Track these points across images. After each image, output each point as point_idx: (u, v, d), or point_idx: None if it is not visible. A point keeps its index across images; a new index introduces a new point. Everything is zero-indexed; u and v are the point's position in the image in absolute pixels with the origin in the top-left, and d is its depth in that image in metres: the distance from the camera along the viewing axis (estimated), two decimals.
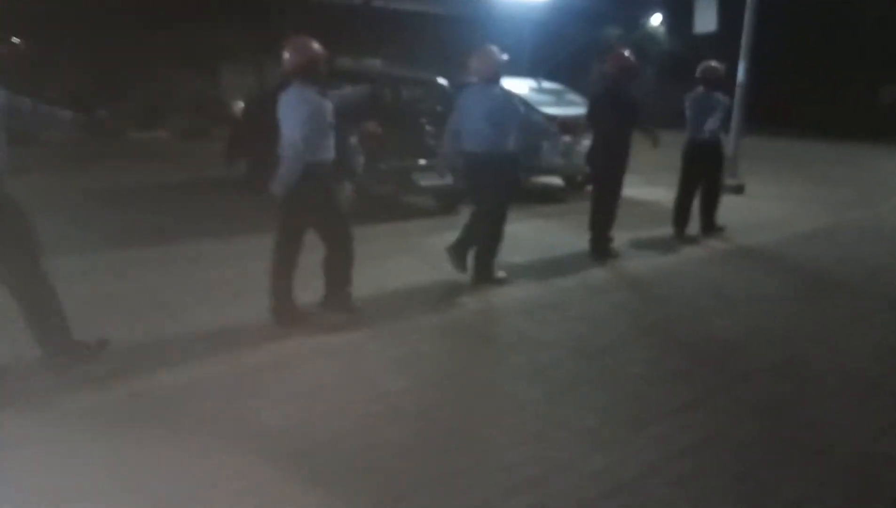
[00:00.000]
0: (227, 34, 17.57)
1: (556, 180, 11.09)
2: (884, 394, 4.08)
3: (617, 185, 6.74)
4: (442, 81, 8.92)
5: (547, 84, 10.69)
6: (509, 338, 4.79)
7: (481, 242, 5.76)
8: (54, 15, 13.58)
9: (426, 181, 8.12)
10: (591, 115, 6.96)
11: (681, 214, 7.82)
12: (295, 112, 4.43)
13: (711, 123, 7.51)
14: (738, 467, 3.19)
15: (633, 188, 10.14)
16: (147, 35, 16.04)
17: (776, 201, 10.57)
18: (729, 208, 8.80)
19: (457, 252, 5.77)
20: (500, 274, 5.89)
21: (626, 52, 6.91)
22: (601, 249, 6.79)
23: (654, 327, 5.06)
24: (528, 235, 7.62)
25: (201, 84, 17.93)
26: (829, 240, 8.26)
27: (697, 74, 7.80)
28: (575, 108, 10.15)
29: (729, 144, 10.08)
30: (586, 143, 9.61)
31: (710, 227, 8.03)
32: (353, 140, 5.37)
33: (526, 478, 3.02)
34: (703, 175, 7.83)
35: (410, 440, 3.29)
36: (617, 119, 6.59)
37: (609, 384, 4.02)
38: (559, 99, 10.31)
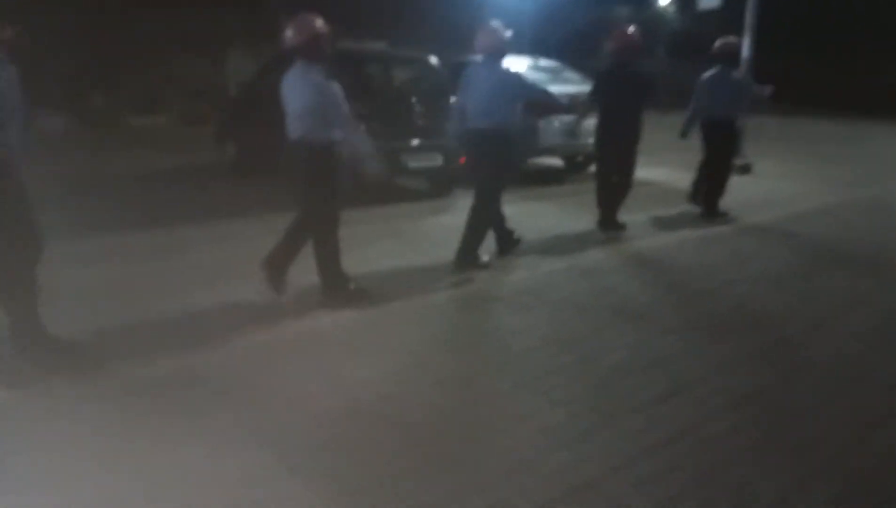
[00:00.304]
0: (230, 19, 17.39)
1: (556, 161, 10.84)
2: (876, 384, 3.82)
3: (628, 165, 6.69)
4: (433, 59, 8.65)
5: (544, 62, 10.38)
6: (484, 326, 4.57)
7: (474, 226, 5.59)
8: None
9: (415, 163, 7.90)
10: (594, 93, 6.84)
11: (702, 188, 7.69)
12: (300, 91, 4.32)
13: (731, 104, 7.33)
14: (711, 464, 2.96)
15: (639, 168, 9.90)
16: (147, 19, 15.87)
17: (783, 180, 10.27)
18: (734, 188, 8.52)
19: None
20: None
21: (630, 30, 6.71)
22: (608, 223, 6.79)
23: (639, 311, 4.79)
24: (519, 218, 7.35)
25: (202, 69, 17.77)
26: (835, 217, 7.97)
27: (714, 50, 7.48)
28: (571, 85, 9.85)
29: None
30: (588, 122, 9.48)
31: (698, 201, 7.87)
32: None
33: (484, 477, 2.81)
34: (713, 154, 7.60)
35: (360, 438, 3.09)
36: (619, 97, 6.48)
37: (582, 374, 3.78)
38: (555, 77, 9.98)
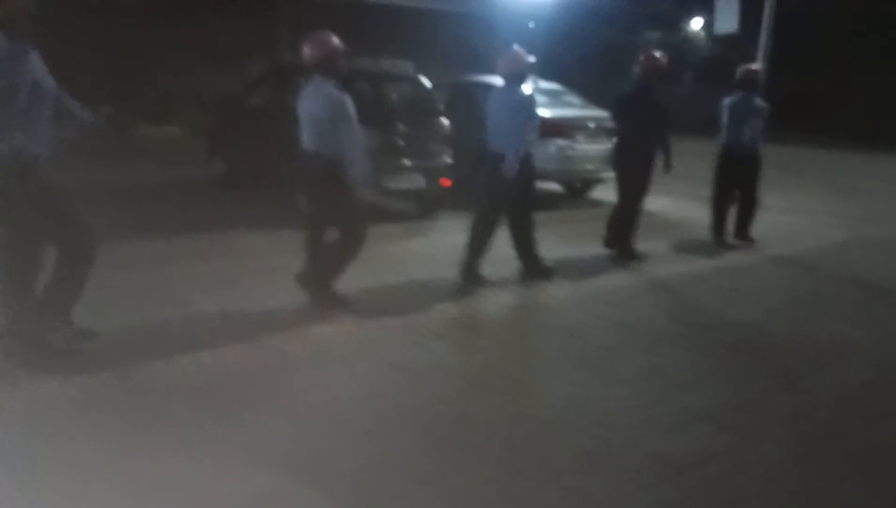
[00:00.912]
0: (247, 32, 17.33)
1: (555, 187, 10.47)
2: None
3: (640, 189, 6.56)
4: (422, 77, 8.37)
5: (544, 84, 10.04)
6: (381, 370, 4.01)
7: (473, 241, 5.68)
8: (60, 6, 13.47)
9: (396, 184, 7.60)
10: (616, 116, 6.81)
11: (718, 222, 7.55)
12: (318, 105, 4.50)
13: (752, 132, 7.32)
14: None
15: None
16: (163, 29, 15.87)
17: (792, 215, 9.71)
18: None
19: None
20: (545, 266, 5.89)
21: (658, 54, 6.67)
22: (626, 252, 6.66)
23: (586, 356, 4.39)
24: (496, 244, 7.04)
25: (218, 81, 17.73)
26: (836, 257, 7.48)
27: (737, 77, 7.52)
28: (571, 109, 9.53)
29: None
30: (587, 147, 9.14)
31: (743, 236, 7.68)
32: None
33: None
34: (739, 184, 7.49)
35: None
36: (642, 122, 6.42)
37: (498, 431, 3.41)
38: (555, 100, 9.65)
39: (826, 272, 6.90)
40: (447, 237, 6.88)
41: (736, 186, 7.49)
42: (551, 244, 6.46)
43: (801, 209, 10.16)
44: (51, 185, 3.69)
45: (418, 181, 7.66)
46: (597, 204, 9.81)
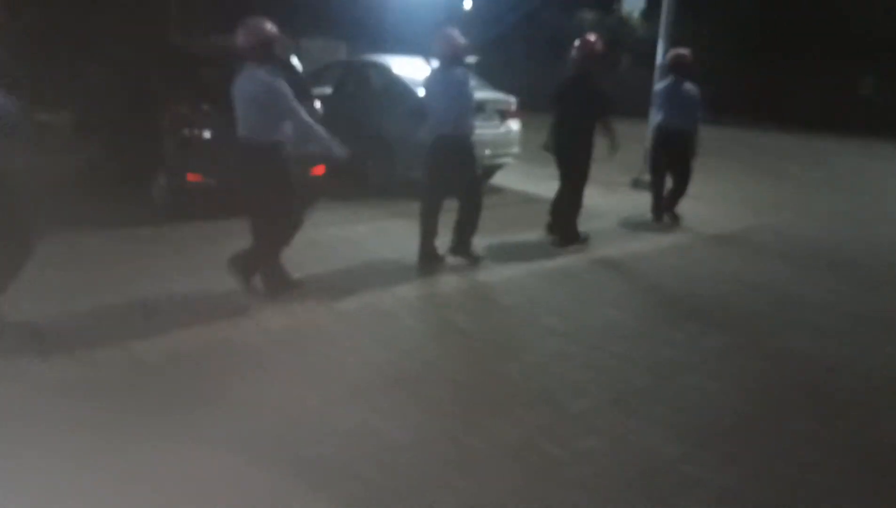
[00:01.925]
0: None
1: None
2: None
3: (582, 175, 6.51)
4: (293, 59, 7.77)
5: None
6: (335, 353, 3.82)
7: (467, 222, 5.82)
8: None
9: None
10: (556, 101, 6.52)
11: (655, 200, 7.75)
12: (249, 92, 4.49)
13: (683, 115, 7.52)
14: None
15: (533, 183, 9.13)
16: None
17: (694, 201, 9.22)
18: (617, 205, 8.35)
19: (463, 249, 5.83)
20: (477, 254, 5.93)
21: (594, 38, 6.52)
22: (570, 236, 6.60)
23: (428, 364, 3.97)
24: (353, 240, 6.54)
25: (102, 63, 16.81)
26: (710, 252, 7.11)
27: (666, 62, 7.84)
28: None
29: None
30: (485, 131, 8.58)
31: (672, 214, 7.83)
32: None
33: None
34: (671, 165, 7.65)
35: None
36: (582, 108, 6.34)
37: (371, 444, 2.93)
38: None
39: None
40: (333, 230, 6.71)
41: (668, 168, 7.65)
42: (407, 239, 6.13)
43: (722, 195, 9.74)
44: None
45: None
46: (499, 191, 9.31)
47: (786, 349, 4.47)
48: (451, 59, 5.61)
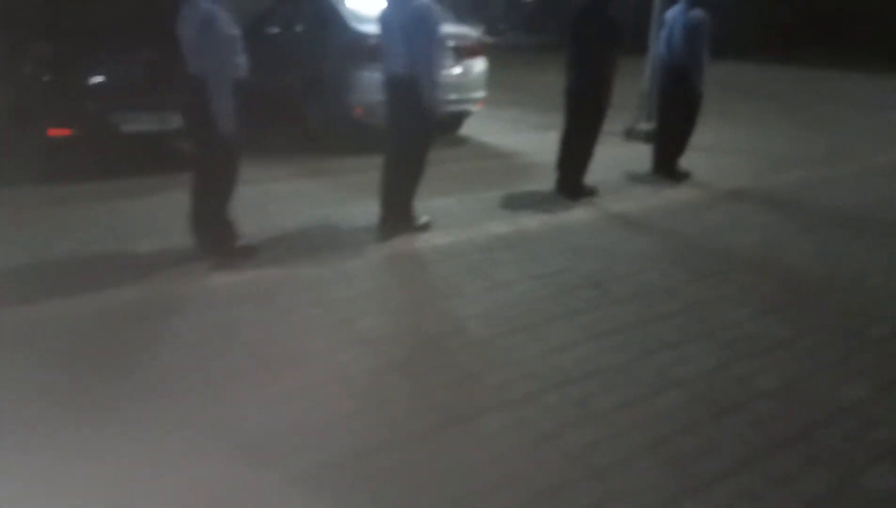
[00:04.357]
0: None
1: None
2: None
3: (601, 119, 5.72)
4: None
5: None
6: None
7: (401, 182, 4.78)
8: None
9: (132, 126, 5.48)
10: (572, 37, 5.65)
11: (659, 151, 6.60)
12: (191, 27, 3.97)
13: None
14: None
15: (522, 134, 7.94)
16: None
17: (701, 154, 7.38)
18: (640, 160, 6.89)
19: (404, 216, 4.81)
20: (424, 219, 4.84)
21: None
22: (576, 188, 5.77)
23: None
24: (280, 199, 5.23)
25: None
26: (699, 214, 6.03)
27: None
28: None
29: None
30: (448, 71, 7.35)
31: (669, 168, 6.60)
32: None
33: None
34: (678, 104, 6.40)
35: None
36: (601, 42, 5.49)
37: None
38: None
39: None
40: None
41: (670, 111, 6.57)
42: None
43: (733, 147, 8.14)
44: None
45: (168, 122, 5.56)
46: (463, 141, 7.97)
47: None
48: None
